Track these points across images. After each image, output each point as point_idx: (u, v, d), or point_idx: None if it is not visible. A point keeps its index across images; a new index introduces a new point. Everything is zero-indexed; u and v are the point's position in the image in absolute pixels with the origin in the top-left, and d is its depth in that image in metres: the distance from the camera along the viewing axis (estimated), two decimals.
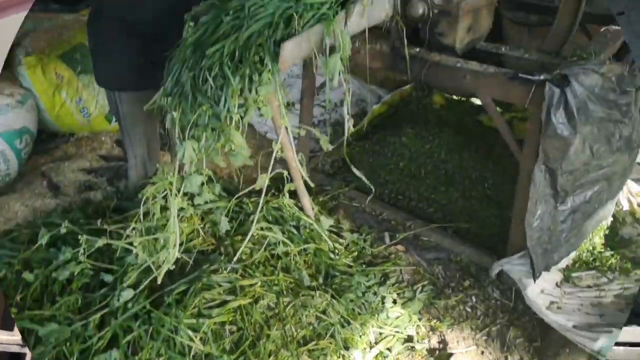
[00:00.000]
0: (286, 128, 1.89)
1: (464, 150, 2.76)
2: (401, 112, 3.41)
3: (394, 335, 1.86)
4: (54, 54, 2.70)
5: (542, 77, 1.77)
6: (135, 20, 1.93)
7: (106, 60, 2.02)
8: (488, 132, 2.92)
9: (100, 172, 2.75)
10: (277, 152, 1.88)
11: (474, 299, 2.08)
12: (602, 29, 2.29)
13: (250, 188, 2.03)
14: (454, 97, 3.35)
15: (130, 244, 1.80)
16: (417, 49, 2.09)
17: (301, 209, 2.23)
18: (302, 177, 2.15)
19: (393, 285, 2.08)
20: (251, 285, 1.80)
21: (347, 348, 1.77)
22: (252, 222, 1.96)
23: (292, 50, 1.59)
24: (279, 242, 2.00)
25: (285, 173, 2.10)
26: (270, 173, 1.92)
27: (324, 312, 1.83)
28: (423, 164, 2.73)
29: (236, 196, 2.05)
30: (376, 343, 1.83)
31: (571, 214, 1.96)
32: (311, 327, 1.79)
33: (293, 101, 3.62)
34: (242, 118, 1.67)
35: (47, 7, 3.43)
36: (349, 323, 1.83)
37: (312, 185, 2.24)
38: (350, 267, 2.09)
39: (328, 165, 2.97)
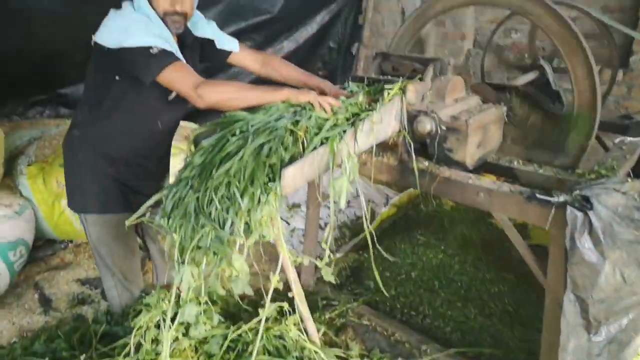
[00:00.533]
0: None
1: (479, 261, 2.61)
2: (411, 215, 3.31)
3: None
4: (57, 161, 2.68)
5: (561, 199, 1.66)
6: (110, 149, 1.87)
7: (73, 181, 1.92)
8: (503, 236, 2.77)
9: (95, 284, 2.62)
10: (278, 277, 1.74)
11: None
12: (617, 140, 2.22)
13: (250, 323, 1.85)
14: None
15: None
16: (426, 163, 2.02)
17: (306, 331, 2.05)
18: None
19: None
20: None
21: None
22: (251, 353, 1.77)
23: (294, 176, 1.51)
24: None
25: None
26: (271, 303, 1.76)
27: None
28: (436, 276, 2.56)
29: (233, 330, 1.87)
30: None
31: (607, 345, 1.76)
32: None
33: (299, 203, 3.55)
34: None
35: (58, 112, 3.49)
36: None
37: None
38: None
39: (335, 275, 2.80)
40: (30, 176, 2.55)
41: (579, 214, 1.59)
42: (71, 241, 2.96)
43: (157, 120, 1.88)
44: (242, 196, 1.50)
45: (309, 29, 4.45)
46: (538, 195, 1.70)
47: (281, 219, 3.46)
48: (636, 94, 3.43)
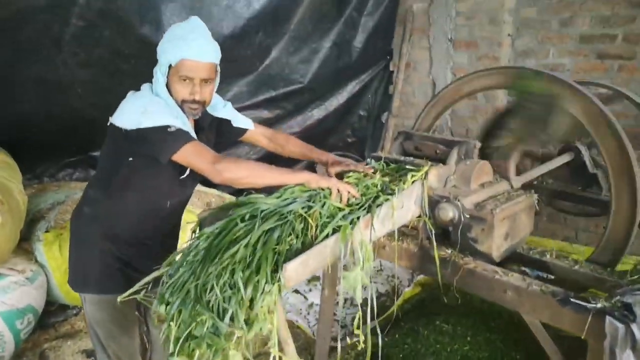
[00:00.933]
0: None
1: (508, 355, 2.37)
2: (436, 295, 3.11)
3: None
4: None
5: (599, 305, 1.48)
6: (116, 227, 1.83)
7: (75, 258, 1.88)
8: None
9: None
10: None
11: None
12: None
13: None
14: None
15: None
16: (449, 251, 1.88)
17: None
18: None
19: None
20: None
21: None
22: None
23: (297, 271, 1.40)
24: None
25: None
26: None
27: None
28: None
29: None
30: None
31: None
32: None
33: (319, 275, 3.41)
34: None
35: (87, 174, 3.55)
36: None
37: None
38: None
39: (352, 359, 2.62)
40: (46, 243, 2.55)
41: (620, 326, 1.40)
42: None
43: (167, 201, 1.86)
44: (245, 285, 1.40)
45: (339, 98, 4.49)
46: (572, 300, 1.52)
47: (298, 292, 3.31)
48: None
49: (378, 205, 1.64)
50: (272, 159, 2.50)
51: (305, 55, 3.97)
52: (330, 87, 4.37)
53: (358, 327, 2.78)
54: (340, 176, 1.84)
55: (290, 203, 1.60)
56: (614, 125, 1.78)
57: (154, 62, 1.79)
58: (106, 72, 3.09)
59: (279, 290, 1.41)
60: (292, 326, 2.89)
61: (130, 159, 1.75)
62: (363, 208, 1.64)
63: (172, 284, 1.53)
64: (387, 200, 1.67)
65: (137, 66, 3.11)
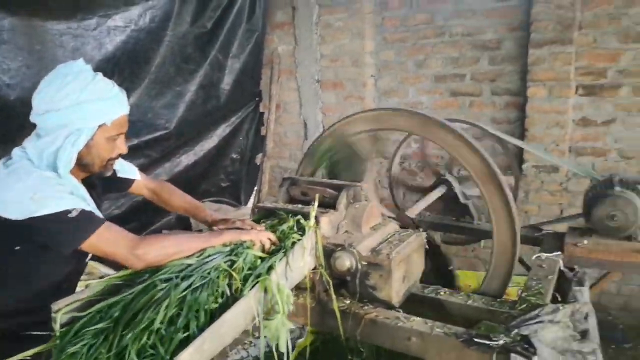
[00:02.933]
0: None
1: None
2: (329, 342, 2.98)
3: None
4: None
5: (501, 342, 1.47)
6: None
7: None
8: None
9: None
10: None
11: None
12: (535, 257, 2.17)
13: None
14: None
15: None
16: (348, 301, 1.77)
17: None
18: None
19: None
20: None
21: None
22: None
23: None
24: None
25: None
26: None
27: None
28: None
29: None
30: None
31: None
32: None
33: None
34: None
35: None
36: None
37: None
38: None
39: None
40: None
41: None
42: None
43: (53, 284, 1.58)
44: None
45: (209, 142, 4.28)
46: (476, 339, 1.50)
47: None
48: (533, 198, 3.58)
49: (293, 243, 1.62)
50: None
51: (170, 99, 3.71)
52: (199, 131, 4.14)
53: None
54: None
55: (211, 260, 1.49)
56: (486, 158, 1.86)
57: None
58: None
59: None
60: None
61: (17, 247, 1.44)
62: (281, 251, 1.59)
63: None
64: (281, 258, 1.55)
65: None
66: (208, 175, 4.45)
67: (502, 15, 3.56)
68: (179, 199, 1.97)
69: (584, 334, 1.75)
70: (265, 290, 1.44)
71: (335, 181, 2.01)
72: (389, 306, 1.73)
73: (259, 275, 1.47)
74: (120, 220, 3.71)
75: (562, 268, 2.13)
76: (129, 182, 1.90)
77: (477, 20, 3.65)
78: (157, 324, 1.25)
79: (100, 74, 1.57)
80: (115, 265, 1.56)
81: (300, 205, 1.87)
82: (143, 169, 3.75)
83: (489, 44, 3.65)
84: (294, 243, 1.63)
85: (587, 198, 2.36)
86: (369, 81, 4.14)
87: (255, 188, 4.76)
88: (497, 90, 3.70)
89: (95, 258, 1.69)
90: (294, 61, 4.36)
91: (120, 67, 3.29)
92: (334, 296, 1.70)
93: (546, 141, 3.46)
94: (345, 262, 1.69)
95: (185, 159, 4.13)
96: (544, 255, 2.18)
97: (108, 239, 1.43)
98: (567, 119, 3.39)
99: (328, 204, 1.88)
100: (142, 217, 3.88)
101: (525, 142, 3.40)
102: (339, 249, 1.70)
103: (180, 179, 4.03)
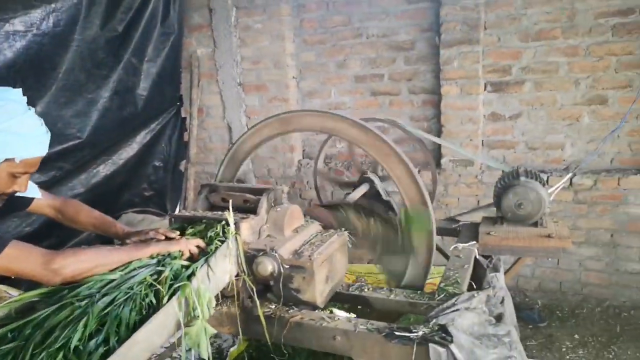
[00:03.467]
0: None
1: None
2: (263, 348, 2.96)
3: None
4: None
5: (420, 333, 1.53)
6: None
7: None
8: None
9: None
10: None
11: None
12: (453, 247, 2.27)
13: None
14: None
15: None
16: (272, 306, 1.77)
17: None
18: None
19: None
20: None
21: None
22: None
23: None
24: None
25: None
26: None
27: None
28: None
29: None
30: None
31: None
32: None
33: None
34: None
35: None
36: None
37: None
38: None
39: None
40: None
41: (442, 350, 1.46)
42: None
43: None
44: None
45: (129, 150, 4.08)
46: (397, 333, 1.54)
47: None
48: (452, 191, 3.75)
49: (216, 249, 1.61)
50: None
51: (81, 107, 3.49)
52: (116, 139, 3.94)
53: None
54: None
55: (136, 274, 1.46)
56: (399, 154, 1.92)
57: None
58: None
59: None
60: None
61: None
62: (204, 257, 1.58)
63: None
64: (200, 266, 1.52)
65: None
66: (130, 185, 4.25)
67: (413, 17, 3.70)
68: (87, 215, 1.88)
69: (499, 318, 1.87)
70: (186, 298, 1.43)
71: (255, 185, 1.99)
72: (313, 307, 1.74)
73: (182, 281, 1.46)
74: (33, 237, 3.46)
75: (477, 257, 2.25)
76: (26, 201, 1.78)
77: (390, 22, 3.78)
78: (74, 342, 1.22)
79: (32, 110, 1.51)
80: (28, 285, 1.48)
81: (220, 213, 1.83)
82: (56, 182, 3.56)
83: (403, 44, 3.78)
84: (216, 248, 1.61)
85: (496, 189, 2.50)
86: (291, 83, 4.15)
87: (182, 196, 4.62)
88: (414, 89, 3.84)
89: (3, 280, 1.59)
90: (214, 64, 4.28)
91: (23, 74, 3.05)
92: (257, 302, 1.69)
93: (461, 136, 3.64)
94: (267, 266, 1.67)
95: (104, 169, 3.91)
96: (460, 245, 2.29)
97: (18, 257, 1.36)
98: (478, 114, 3.58)
99: (249, 210, 1.86)
100: (58, 233, 3.64)
101: (442, 139, 3.55)
102: (261, 254, 1.68)
103: (98, 191, 3.82)
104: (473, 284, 2.03)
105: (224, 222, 1.72)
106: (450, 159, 3.72)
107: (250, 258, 1.70)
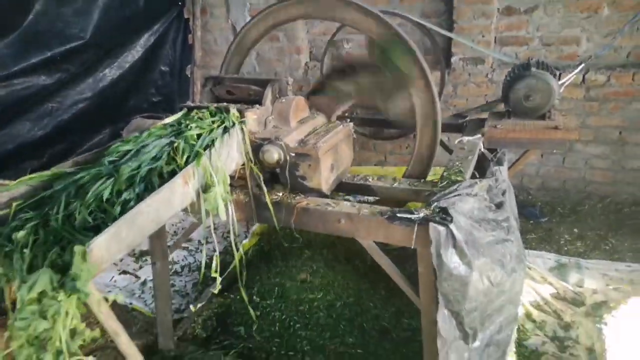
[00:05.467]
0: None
1: (349, 287, 2.50)
2: (274, 241, 3.11)
3: None
4: None
5: (422, 215, 1.59)
6: None
7: None
8: None
9: None
10: None
11: None
12: (457, 140, 2.28)
13: None
14: None
15: None
16: (280, 193, 1.83)
17: None
18: None
19: None
20: None
21: None
22: None
23: (109, 248, 1.17)
24: None
25: None
26: None
27: None
28: (312, 310, 2.39)
29: None
30: None
31: (485, 348, 1.75)
32: None
33: (148, 249, 3.12)
34: None
35: None
36: None
37: None
38: None
39: (200, 328, 2.47)
40: None
41: (442, 229, 1.53)
42: None
43: None
44: None
45: (134, 53, 4.02)
46: (399, 215, 1.61)
47: (127, 272, 3.00)
48: (461, 91, 3.69)
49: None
50: None
51: (81, 4, 3.39)
52: (120, 40, 3.86)
53: (200, 292, 2.59)
54: None
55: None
56: (412, 47, 1.86)
57: None
58: None
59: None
60: (126, 310, 2.60)
61: None
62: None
63: None
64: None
65: None
66: (137, 90, 4.23)
67: None
68: None
69: (499, 205, 1.93)
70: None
71: (260, 77, 1.98)
72: (319, 194, 1.81)
73: (197, 153, 1.52)
74: (45, 142, 3.54)
75: (482, 150, 2.27)
76: None
77: None
78: (106, 195, 1.31)
79: None
80: None
81: (225, 104, 1.84)
82: (63, 84, 3.54)
83: None
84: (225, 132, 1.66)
85: (505, 82, 2.46)
86: None
87: (190, 100, 4.61)
88: None
89: None
90: None
91: None
92: (265, 189, 1.75)
93: (474, 32, 3.50)
94: (273, 154, 1.72)
95: (110, 73, 3.89)
96: (465, 138, 2.30)
97: None
98: (492, 8, 3.41)
99: (255, 102, 1.87)
100: (70, 138, 3.71)
101: (454, 34, 3.42)
102: (267, 142, 1.72)
103: (106, 95, 3.83)
104: (477, 174, 2.07)
105: (230, 111, 1.73)
106: (461, 57, 3.61)
107: (257, 147, 1.74)
